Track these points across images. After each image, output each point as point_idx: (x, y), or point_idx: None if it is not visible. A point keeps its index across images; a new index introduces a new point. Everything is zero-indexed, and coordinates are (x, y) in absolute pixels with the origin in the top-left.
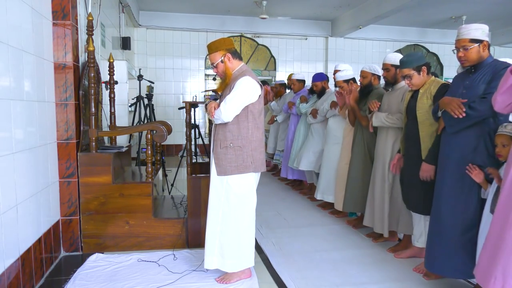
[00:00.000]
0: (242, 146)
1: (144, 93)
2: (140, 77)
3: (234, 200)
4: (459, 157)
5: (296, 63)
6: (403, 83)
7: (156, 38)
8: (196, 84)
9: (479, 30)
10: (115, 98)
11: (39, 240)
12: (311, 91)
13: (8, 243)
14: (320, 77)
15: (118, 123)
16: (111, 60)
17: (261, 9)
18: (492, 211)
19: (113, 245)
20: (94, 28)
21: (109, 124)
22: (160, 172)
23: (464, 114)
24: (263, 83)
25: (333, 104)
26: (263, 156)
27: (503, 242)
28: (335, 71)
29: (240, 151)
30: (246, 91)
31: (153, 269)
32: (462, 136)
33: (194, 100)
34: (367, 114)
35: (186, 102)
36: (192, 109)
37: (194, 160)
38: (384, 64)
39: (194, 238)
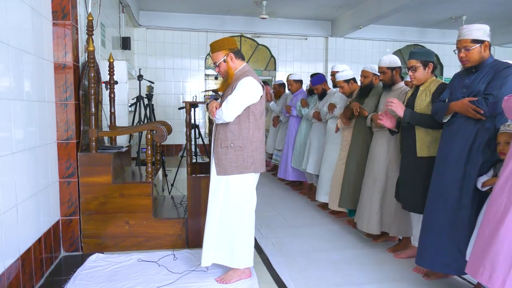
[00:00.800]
0: (242, 146)
1: (144, 93)
2: (140, 77)
3: (233, 200)
4: (458, 155)
5: (296, 63)
6: (401, 84)
7: (156, 38)
8: (196, 84)
9: (481, 31)
10: (115, 98)
11: (39, 240)
12: (310, 92)
13: (8, 243)
14: (319, 80)
15: (118, 123)
16: (111, 60)
17: (261, 9)
18: None
19: (113, 245)
20: (94, 28)
21: (109, 124)
22: (160, 172)
23: (481, 115)
24: (264, 83)
25: (331, 107)
26: (263, 156)
27: (496, 233)
28: (333, 73)
29: (240, 151)
30: (248, 92)
31: (153, 269)
32: (462, 133)
33: (194, 100)
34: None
35: (186, 102)
36: (192, 109)
37: (194, 160)
38: (380, 68)
39: (194, 238)
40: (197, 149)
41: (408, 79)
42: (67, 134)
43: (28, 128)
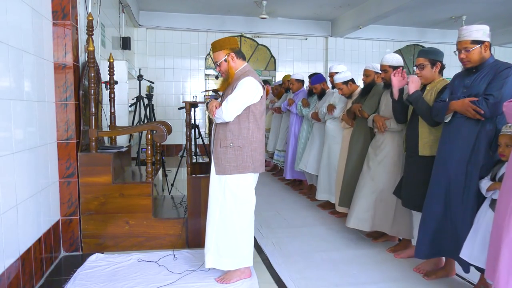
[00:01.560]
0: (242, 146)
1: (144, 93)
2: (140, 77)
3: (232, 200)
4: (460, 155)
5: (296, 63)
6: None
7: (156, 38)
8: (196, 84)
9: (480, 31)
10: (115, 98)
11: (39, 240)
12: (310, 92)
13: (8, 243)
14: (319, 80)
15: (118, 123)
16: (111, 60)
17: (261, 9)
18: (492, 207)
19: (113, 245)
20: (94, 28)
21: (109, 124)
22: (160, 172)
23: (481, 115)
24: (264, 82)
25: (330, 108)
26: (263, 157)
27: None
28: (331, 74)
29: (240, 151)
30: (248, 92)
31: (153, 269)
32: (463, 134)
33: (194, 100)
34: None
35: (186, 102)
36: (192, 109)
37: (194, 160)
38: (382, 66)
39: (194, 238)
40: (197, 149)
41: (408, 79)
42: (67, 134)
43: (28, 128)
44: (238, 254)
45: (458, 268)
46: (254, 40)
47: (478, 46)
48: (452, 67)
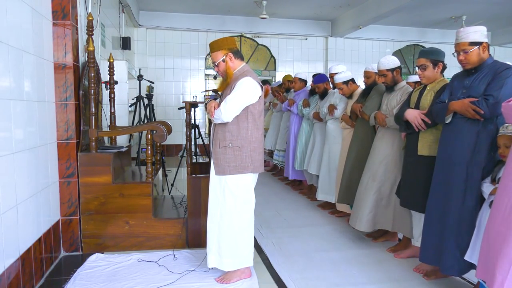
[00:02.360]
0: (241, 146)
1: (144, 93)
2: (140, 77)
3: (231, 200)
4: (461, 156)
5: (296, 63)
6: (403, 83)
7: (156, 38)
8: (196, 84)
9: (478, 33)
10: (115, 98)
11: (39, 240)
12: (312, 92)
13: (8, 243)
14: (322, 79)
15: (118, 123)
16: (111, 60)
17: (261, 9)
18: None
19: (113, 245)
20: (94, 28)
21: (109, 124)
22: (160, 172)
23: (481, 116)
24: (264, 82)
25: (331, 108)
26: (262, 157)
27: (498, 237)
28: (331, 75)
29: (239, 152)
30: (247, 92)
31: (153, 269)
32: (463, 135)
33: (194, 100)
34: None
35: (186, 102)
36: (192, 109)
37: (194, 160)
38: (380, 71)
39: (194, 238)
40: (197, 149)
41: (409, 80)
42: (67, 134)
43: (28, 128)
44: (238, 254)
45: None
46: (254, 40)
47: (476, 47)
48: (452, 67)
